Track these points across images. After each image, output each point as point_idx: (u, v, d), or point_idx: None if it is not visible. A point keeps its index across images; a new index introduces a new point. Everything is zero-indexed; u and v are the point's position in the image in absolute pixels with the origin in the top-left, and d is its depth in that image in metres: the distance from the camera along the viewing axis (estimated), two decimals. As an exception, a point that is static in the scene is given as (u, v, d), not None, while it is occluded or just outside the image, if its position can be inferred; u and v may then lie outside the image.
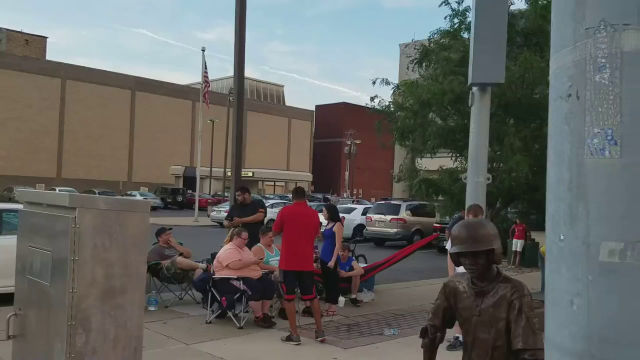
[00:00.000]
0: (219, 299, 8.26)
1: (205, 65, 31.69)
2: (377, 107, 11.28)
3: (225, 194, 52.63)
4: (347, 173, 66.50)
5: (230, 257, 8.29)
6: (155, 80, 65.40)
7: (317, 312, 7.62)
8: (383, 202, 27.07)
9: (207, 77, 31.34)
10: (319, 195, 52.24)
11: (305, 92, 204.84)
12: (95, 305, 3.86)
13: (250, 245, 9.72)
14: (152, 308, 9.12)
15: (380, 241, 21.55)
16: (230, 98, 40.68)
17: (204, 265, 9.52)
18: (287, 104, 78.42)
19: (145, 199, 46.69)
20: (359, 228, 22.82)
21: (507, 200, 10.52)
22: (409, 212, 21.13)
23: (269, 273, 8.64)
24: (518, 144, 8.04)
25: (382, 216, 20.99)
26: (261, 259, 8.93)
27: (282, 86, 79.66)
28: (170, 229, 10.16)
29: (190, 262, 9.63)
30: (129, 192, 49.21)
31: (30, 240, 4.20)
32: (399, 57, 37.59)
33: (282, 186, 66.28)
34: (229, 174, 52.86)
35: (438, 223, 20.09)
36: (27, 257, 4.23)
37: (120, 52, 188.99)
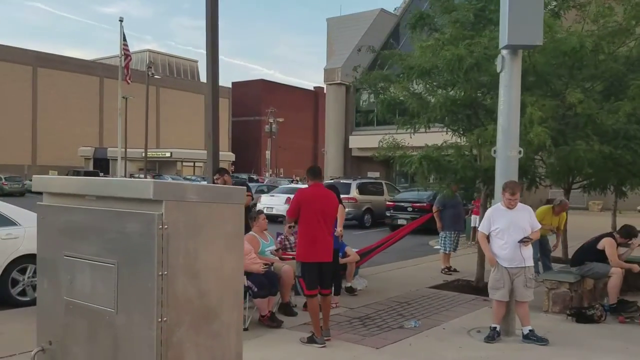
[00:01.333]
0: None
1: (125, 37, 29.26)
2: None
3: (141, 175, 49.98)
4: (267, 152, 65.33)
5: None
6: (58, 55, 60.67)
7: (328, 308, 6.72)
8: (332, 181, 26.38)
9: (127, 49, 28.95)
10: (244, 176, 50.67)
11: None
12: (189, 336, 2.73)
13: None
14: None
15: (330, 222, 20.78)
16: (150, 73, 38.25)
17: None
18: (202, 80, 75.51)
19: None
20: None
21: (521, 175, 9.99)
22: (357, 191, 20.52)
23: (269, 265, 7.61)
24: (539, 114, 7.38)
25: (333, 196, 20.19)
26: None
27: (197, 62, 76.38)
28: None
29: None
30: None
31: (68, 247, 2.98)
32: (327, 33, 36.70)
33: (201, 167, 63.95)
34: (145, 154, 50.06)
35: (391, 201, 19.60)
36: (61, 270, 3.01)
37: (14, 28, 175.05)
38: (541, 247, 10.27)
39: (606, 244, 8.04)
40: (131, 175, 49.71)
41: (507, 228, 6.60)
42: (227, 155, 66.68)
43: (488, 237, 6.84)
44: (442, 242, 11.53)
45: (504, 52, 6.97)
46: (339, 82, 33.76)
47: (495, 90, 8.68)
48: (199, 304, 2.79)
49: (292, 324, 7.26)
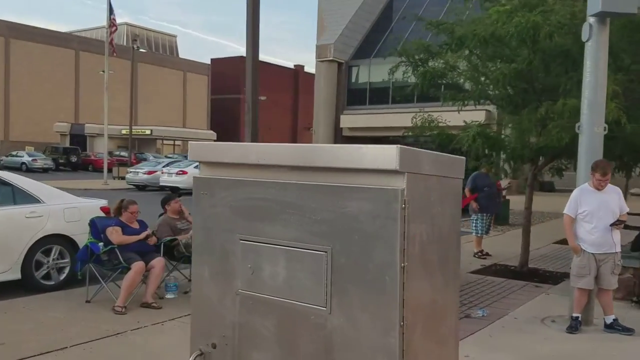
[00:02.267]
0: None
1: (111, 7, 28.01)
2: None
3: (122, 153, 48.69)
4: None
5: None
6: (32, 26, 58.37)
7: None
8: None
9: (114, 20, 27.74)
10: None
11: (190, 46, 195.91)
12: (422, 344, 2.21)
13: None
14: (170, 296, 7.29)
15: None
16: (135, 47, 36.97)
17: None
18: (181, 56, 73.77)
19: (35, 160, 41.85)
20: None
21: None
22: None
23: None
24: (612, 87, 6.96)
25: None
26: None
27: (175, 36, 74.49)
28: (180, 195, 8.19)
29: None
30: (14, 153, 43.75)
31: (247, 230, 2.41)
32: (317, 8, 35.77)
33: (180, 145, 62.71)
34: (124, 131, 48.70)
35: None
36: (235, 257, 2.45)
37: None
38: None
39: None
40: (110, 153, 48.37)
41: (596, 211, 6.19)
42: (207, 134, 65.51)
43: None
44: (474, 224, 11.14)
45: (592, 19, 6.52)
46: (331, 58, 33.05)
47: (563, 64, 8.25)
48: (430, 302, 2.26)
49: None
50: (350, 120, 33.01)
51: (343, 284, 2.17)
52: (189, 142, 2.70)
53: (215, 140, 65.40)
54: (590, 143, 6.59)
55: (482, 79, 8.67)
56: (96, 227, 7.09)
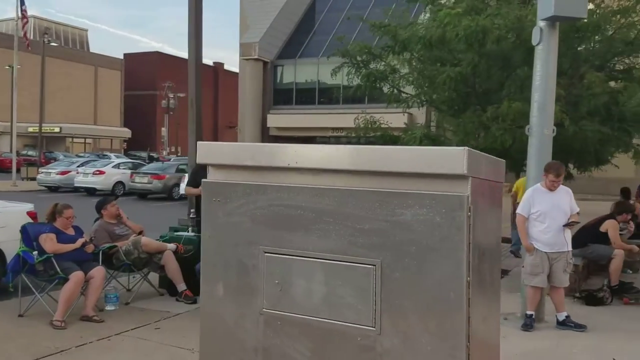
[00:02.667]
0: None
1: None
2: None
3: (30, 152, 45.81)
4: (164, 129, 62.47)
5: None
6: None
7: None
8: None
9: (25, 12, 25.94)
10: (143, 154, 47.94)
11: (100, 40, 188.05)
12: (479, 362, 2.02)
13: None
14: (110, 307, 6.74)
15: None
16: (46, 40, 34.88)
17: (173, 246, 7.28)
18: (92, 51, 70.42)
19: None
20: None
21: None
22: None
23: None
24: (558, 90, 7.17)
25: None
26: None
27: (86, 30, 70.97)
28: (116, 198, 7.63)
29: (158, 242, 7.31)
30: None
31: (272, 241, 2.13)
32: (240, 5, 35.16)
33: (91, 143, 59.83)
34: (31, 129, 45.85)
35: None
36: (257, 272, 2.17)
37: None
38: None
39: (609, 226, 8.05)
40: (17, 153, 45.36)
41: (549, 211, 6.28)
42: (122, 132, 62.97)
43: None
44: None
45: (542, 23, 6.62)
46: (256, 57, 32.55)
47: (507, 67, 8.40)
48: (484, 318, 2.08)
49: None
50: (277, 119, 32.69)
51: (395, 301, 1.95)
52: (198, 142, 2.38)
53: (129, 139, 63.10)
54: (540, 145, 6.70)
55: (425, 82, 8.66)
56: (28, 235, 6.43)
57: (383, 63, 9.91)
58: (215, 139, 71.04)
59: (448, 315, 1.87)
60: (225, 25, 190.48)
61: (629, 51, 8.59)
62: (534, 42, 6.75)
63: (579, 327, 6.36)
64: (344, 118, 31.26)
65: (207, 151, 2.31)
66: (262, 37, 32.66)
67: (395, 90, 10.01)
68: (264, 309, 2.17)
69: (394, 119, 27.97)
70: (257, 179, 2.20)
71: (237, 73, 77.57)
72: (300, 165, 2.09)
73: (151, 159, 44.54)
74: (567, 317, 6.48)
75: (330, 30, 33.60)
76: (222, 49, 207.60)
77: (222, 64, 75.80)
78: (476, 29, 7.23)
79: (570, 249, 6.43)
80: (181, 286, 7.08)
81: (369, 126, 10.33)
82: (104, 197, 7.90)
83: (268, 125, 32.45)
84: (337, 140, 33.47)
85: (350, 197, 2.01)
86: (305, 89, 33.45)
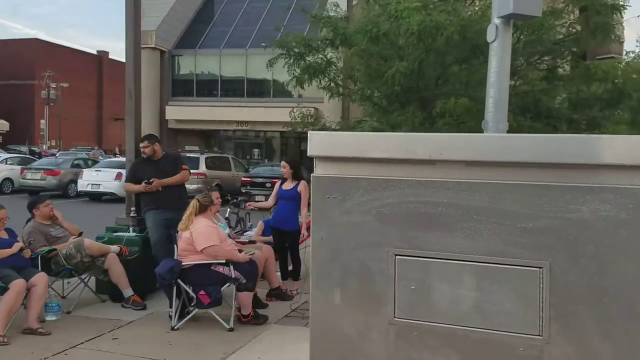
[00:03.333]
0: (192, 294, 5.83)
1: None
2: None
3: None
4: (43, 121, 58.25)
5: (212, 237, 5.89)
6: None
7: None
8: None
9: None
10: (23, 148, 44.24)
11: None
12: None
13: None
14: (51, 317, 6.04)
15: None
16: None
17: (116, 248, 6.68)
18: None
19: None
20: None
21: None
22: (206, 165, 19.08)
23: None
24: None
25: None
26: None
27: (-49, 12, 64.14)
28: (49, 197, 6.88)
29: (100, 244, 6.66)
30: None
31: (405, 242, 1.91)
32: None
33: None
34: None
35: (247, 177, 18.64)
36: (384, 277, 1.93)
37: None
38: None
39: None
40: None
41: None
42: (-2, 124, 57.77)
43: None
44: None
45: (498, 21, 6.76)
46: (153, 46, 31.04)
47: (452, 63, 8.56)
48: None
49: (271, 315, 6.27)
50: (176, 112, 31.38)
51: (568, 307, 1.79)
52: (310, 132, 2.07)
53: (7, 131, 58.13)
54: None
55: (372, 76, 8.55)
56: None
57: (320, 56, 9.74)
58: (99, 132, 67.49)
59: (636, 324, 1.74)
60: (110, 12, 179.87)
61: (556, 50, 9.06)
62: (489, 39, 6.87)
63: None
64: (250, 111, 30.80)
65: (323, 142, 2.02)
66: (159, 25, 31.28)
67: (333, 84, 9.88)
68: (395, 318, 1.94)
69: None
70: (384, 173, 1.95)
71: (123, 62, 73.83)
72: (446, 158, 1.88)
73: (33, 154, 41.28)
74: None
75: (230, 22, 32.90)
76: (108, 37, 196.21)
77: (106, 53, 71.74)
78: (430, 24, 7.26)
79: None
80: (127, 291, 6.51)
81: (307, 120, 10.13)
82: (36, 196, 7.11)
83: (167, 118, 31.12)
84: (244, 134, 32.92)
85: (508, 192, 1.83)
86: (206, 81, 32.47)
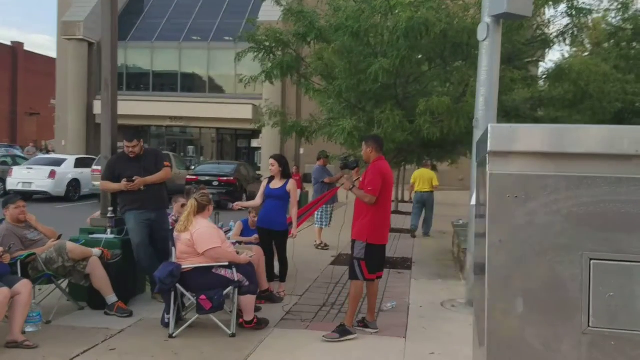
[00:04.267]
0: (193, 299, 5.51)
1: None
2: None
3: None
4: (-49, 115, 54.30)
5: (214, 239, 5.59)
6: None
7: (375, 295, 5.84)
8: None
9: None
10: None
11: None
12: None
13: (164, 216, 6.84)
14: (31, 329, 5.54)
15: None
16: None
17: (98, 251, 6.22)
18: None
19: None
20: (74, 184, 18.81)
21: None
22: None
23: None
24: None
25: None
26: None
27: None
28: (21, 197, 6.29)
29: (82, 247, 6.17)
30: None
31: (604, 245, 1.79)
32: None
33: None
34: None
35: (193, 175, 18.01)
36: (605, 281, 1.81)
37: None
38: None
39: None
40: None
41: None
42: None
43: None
44: (319, 216, 10.95)
45: (489, 20, 6.81)
46: (80, 37, 29.46)
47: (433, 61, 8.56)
48: None
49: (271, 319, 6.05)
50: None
51: None
52: (490, 125, 1.89)
53: None
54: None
55: (353, 73, 8.33)
56: None
57: (291, 51, 9.50)
58: (13, 127, 63.63)
59: None
60: (28, 2, 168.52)
61: (526, 51, 9.28)
62: (480, 38, 6.90)
63: None
64: (184, 107, 29.82)
65: (506, 135, 1.85)
66: (87, 16, 29.79)
67: (304, 80, 9.65)
68: (590, 327, 1.80)
69: (240, 109, 27.45)
70: (577, 170, 1.81)
71: (40, 55, 70.03)
72: None
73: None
74: None
75: (163, 14, 31.80)
76: (26, 28, 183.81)
77: (21, 44, 67.60)
78: (418, 21, 7.20)
79: None
80: (111, 298, 6.07)
81: (275, 116, 9.85)
82: (8, 196, 6.51)
83: (95, 112, 29.65)
84: (180, 131, 31.88)
85: None
86: (137, 74, 31.20)
